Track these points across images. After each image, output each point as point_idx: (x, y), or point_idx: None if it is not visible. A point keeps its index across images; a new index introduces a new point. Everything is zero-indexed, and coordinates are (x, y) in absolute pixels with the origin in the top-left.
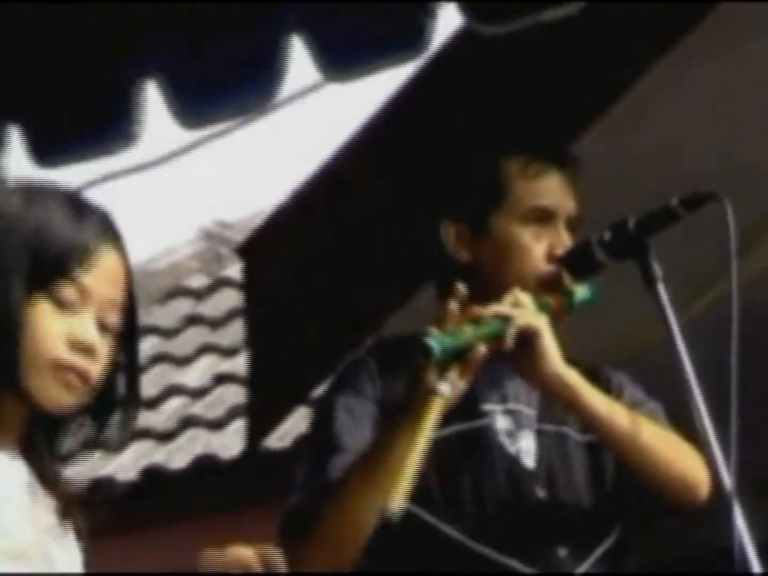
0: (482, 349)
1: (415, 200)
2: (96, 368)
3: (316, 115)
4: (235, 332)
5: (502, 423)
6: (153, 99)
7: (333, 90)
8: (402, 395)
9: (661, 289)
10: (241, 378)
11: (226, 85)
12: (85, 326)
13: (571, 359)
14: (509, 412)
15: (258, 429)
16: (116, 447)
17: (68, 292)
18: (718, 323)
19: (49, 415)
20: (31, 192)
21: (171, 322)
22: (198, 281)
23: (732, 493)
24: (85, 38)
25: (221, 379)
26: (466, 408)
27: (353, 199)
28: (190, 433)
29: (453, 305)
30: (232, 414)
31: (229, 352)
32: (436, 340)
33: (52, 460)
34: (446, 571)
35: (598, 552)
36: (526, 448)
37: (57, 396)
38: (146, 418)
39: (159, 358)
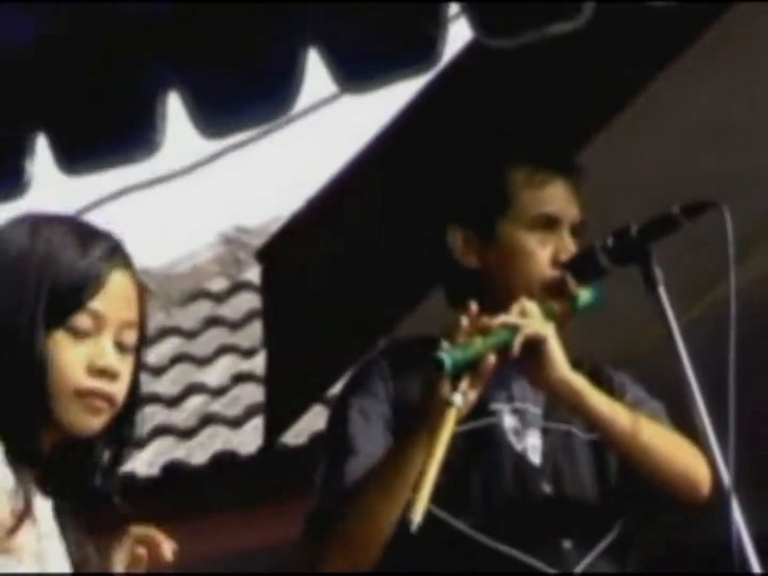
0: (492, 359)
1: (425, 208)
2: (119, 388)
3: (332, 125)
4: (253, 333)
5: (509, 421)
6: (175, 109)
7: (347, 102)
8: (414, 396)
9: (662, 293)
10: (259, 377)
11: (245, 97)
12: (103, 350)
13: (575, 359)
14: (516, 411)
15: (275, 426)
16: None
17: (82, 320)
18: (717, 325)
19: (78, 440)
20: (36, 222)
21: (192, 323)
22: (218, 284)
23: (730, 489)
24: (110, 50)
25: (240, 378)
26: (474, 407)
27: (366, 207)
28: (209, 430)
29: (463, 320)
30: (250, 412)
31: (248, 353)
32: (447, 354)
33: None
34: (456, 563)
35: (602, 545)
36: (532, 446)
37: (85, 421)
38: (168, 416)
39: (180, 358)
